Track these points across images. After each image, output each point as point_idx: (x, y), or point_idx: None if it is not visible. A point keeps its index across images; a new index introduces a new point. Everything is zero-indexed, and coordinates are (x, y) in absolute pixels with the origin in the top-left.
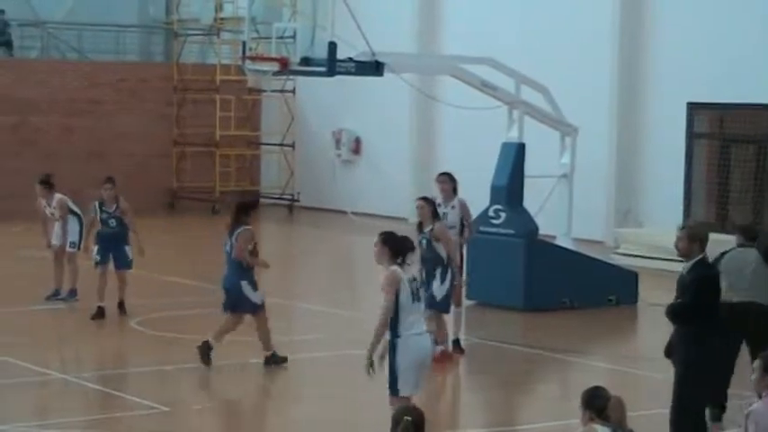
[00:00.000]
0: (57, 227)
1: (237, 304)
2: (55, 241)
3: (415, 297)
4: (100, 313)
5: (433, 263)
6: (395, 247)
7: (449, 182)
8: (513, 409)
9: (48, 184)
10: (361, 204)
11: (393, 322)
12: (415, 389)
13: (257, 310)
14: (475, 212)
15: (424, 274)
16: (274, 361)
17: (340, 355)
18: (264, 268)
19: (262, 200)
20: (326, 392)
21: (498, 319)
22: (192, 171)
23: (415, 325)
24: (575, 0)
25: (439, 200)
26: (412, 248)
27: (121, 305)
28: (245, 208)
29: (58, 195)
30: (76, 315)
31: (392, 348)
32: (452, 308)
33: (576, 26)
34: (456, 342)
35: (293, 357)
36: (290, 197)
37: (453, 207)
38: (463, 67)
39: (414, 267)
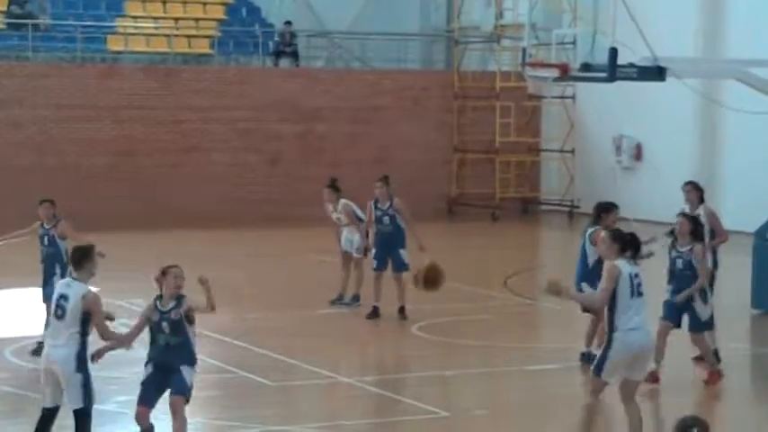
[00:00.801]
0: (345, 231)
1: None
2: (345, 246)
3: (635, 292)
4: (375, 312)
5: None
6: (622, 243)
7: (694, 191)
8: None
9: (335, 187)
10: (643, 211)
11: (610, 316)
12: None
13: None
14: (761, 220)
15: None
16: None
17: None
18: None
19: (542, 206)
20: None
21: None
22: (471, 178)
23: (633, 319)
24: None
25: (686, 209)
26: (638, 245)
27: (402, 310)
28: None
29: (342, 201)
30: (359, 320)
31: (608, 342)
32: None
33: None
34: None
35: (571, 365)
36: (569, 203)
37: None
38: (749, 71)
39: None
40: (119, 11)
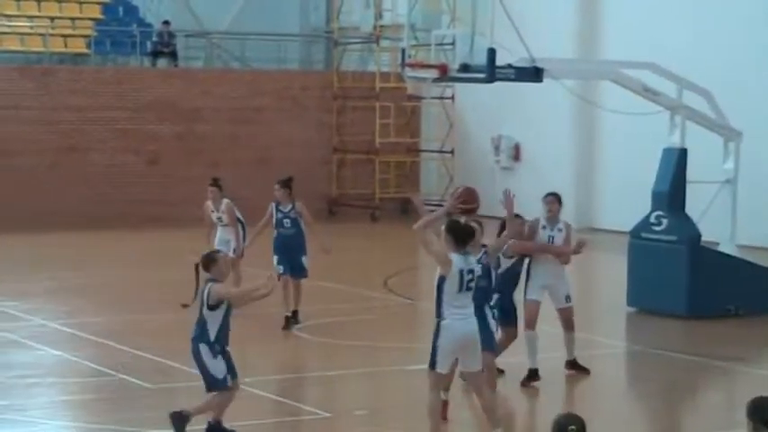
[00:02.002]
0: (221, 232)
1: None
2: (219, 247)
3: (464, 287)
4: (289, 322)
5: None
6: (454, 235)
7: (557, 203)
8: (676, 419)
9: (219, 186)
10: (522, 211)
11: (438, 306)
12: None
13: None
14: (636, 219)
15: None
16: None
17: (499, 362)
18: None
19: None
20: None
21: (660, 327)
22: (351, 178)
23: (460, 310)
24: (736, 0)
25: (543, 222)
26: (472, 235)
27: (295, 314)
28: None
29: (225, 200)
30: (239, 321)
31: (436, 331)
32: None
33: (738, 27)
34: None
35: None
36: None
37: (560, 230)
38: (624, 72)
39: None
40: None
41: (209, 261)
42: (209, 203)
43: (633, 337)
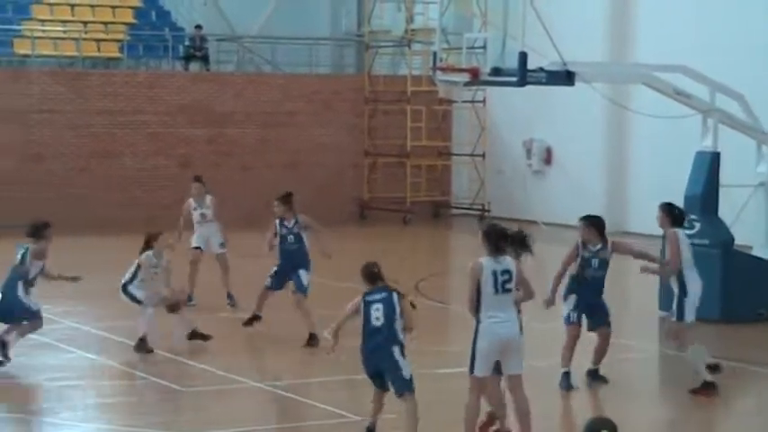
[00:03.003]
0: (201, 229)
1: None
2: (198, 244)
3: (499, 289)
4: (253, 319)
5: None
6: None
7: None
8: (709, 424)
9: (202, 182)
10: (553, 214)
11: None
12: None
13: None
14: None
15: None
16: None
17: (531, 366)
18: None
19: (453, 210)
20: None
21: (693, 331)
22: (383, 181)
23: (498, 314)
24: None
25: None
26: (506, 239)
27: (312, 337)
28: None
29: (209, 196)
30: (266, 325)
31: (475, 335)
32: None
33: None
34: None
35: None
36: (480, 207)
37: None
38: (655, 75)
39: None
40: (26, 14)
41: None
42: (192, 201)
43: (665, 342)
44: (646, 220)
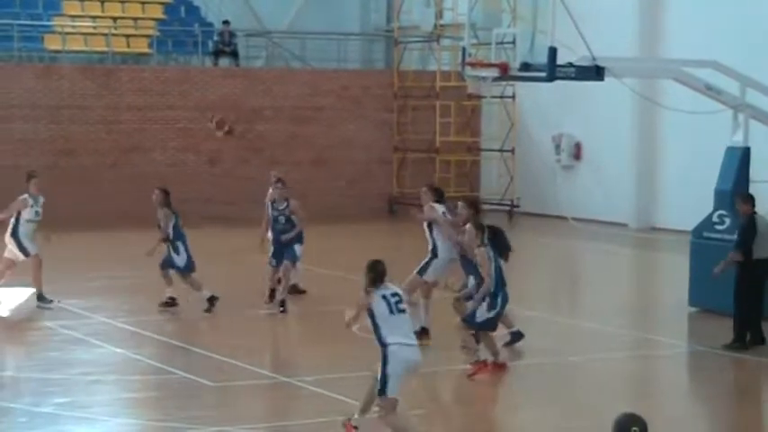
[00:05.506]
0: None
1: None
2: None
3: (394, 310)
4: (275, 298)
5: None
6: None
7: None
8: (738, 420)
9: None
10: (582, 210)
11: (377, 332)
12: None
13: None
14: (699, 218)
15: None
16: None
17: (560, 362)
18: None
19: (482, 205)
20: (548, 398)
21: (723, 327)
22: (412, 177)
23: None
24: None
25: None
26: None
27: (282, 303)
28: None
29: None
30: (299, 320)
31: (384, 359)
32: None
33: None
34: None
35: (512, 364)
36: (509, 203)
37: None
38: (686, 70)
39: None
40: (56, 10)
41: None
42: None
43: (695, 338)
44: (675, 216)
